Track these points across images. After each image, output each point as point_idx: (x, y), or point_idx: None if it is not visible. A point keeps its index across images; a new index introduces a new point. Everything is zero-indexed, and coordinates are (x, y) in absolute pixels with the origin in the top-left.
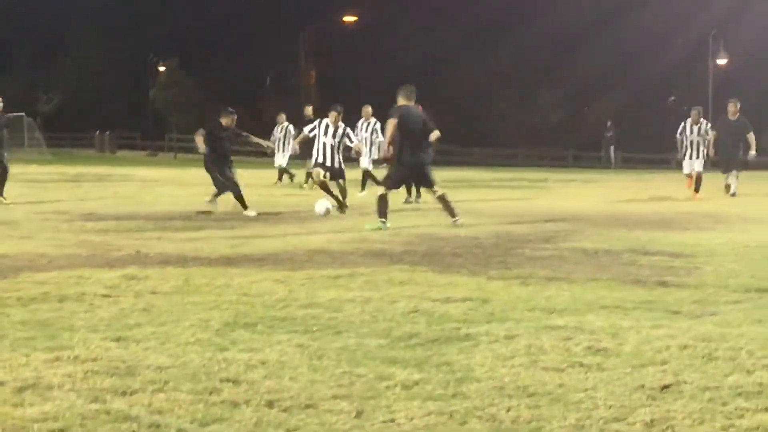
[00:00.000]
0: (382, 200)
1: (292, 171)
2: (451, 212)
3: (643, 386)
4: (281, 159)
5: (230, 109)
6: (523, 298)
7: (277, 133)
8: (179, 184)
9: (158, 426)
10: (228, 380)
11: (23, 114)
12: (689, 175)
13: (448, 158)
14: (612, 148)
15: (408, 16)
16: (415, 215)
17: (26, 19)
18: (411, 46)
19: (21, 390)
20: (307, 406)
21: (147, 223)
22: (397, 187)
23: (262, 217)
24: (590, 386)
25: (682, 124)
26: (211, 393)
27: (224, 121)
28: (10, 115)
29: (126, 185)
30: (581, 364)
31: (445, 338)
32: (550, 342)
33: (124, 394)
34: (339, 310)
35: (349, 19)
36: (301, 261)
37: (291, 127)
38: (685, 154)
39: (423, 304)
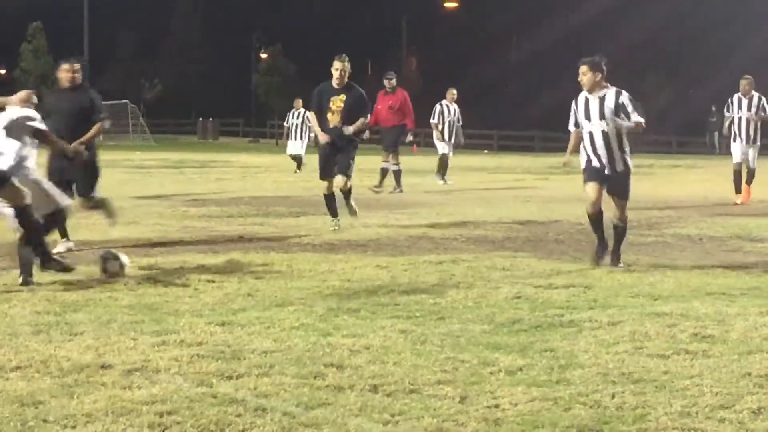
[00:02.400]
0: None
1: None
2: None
3: (749, 374)
4: (296, 147)
5: None
6: (626, 285)
7: (292, 119)
8: (281, 170)
9: (264, 409)
10: (332, 365)
11: (127, 101)
12: (738, 169)
13: (549, 144)
14: (716, 133)
15: (509, 4)
16: (516, 202)
17: (130, 7)
18: (513, 33)
19: (129, 373)
20: (411, 391)
21: (249, 209)
22: None
23: (364, 202)
24: (696, 373)
25: (729, 99)
26: (315, 377)
27: None
28: (114, 102)
29: (228, 172)
30: (687, 351)
31: (548, 324)
32: (655, 328)
33: (229, 377)
34: (442, 295)
35: (450, 5)
36: (403, 247)
37: (309, 114)
38: (735, 137)
39: (526, 290)
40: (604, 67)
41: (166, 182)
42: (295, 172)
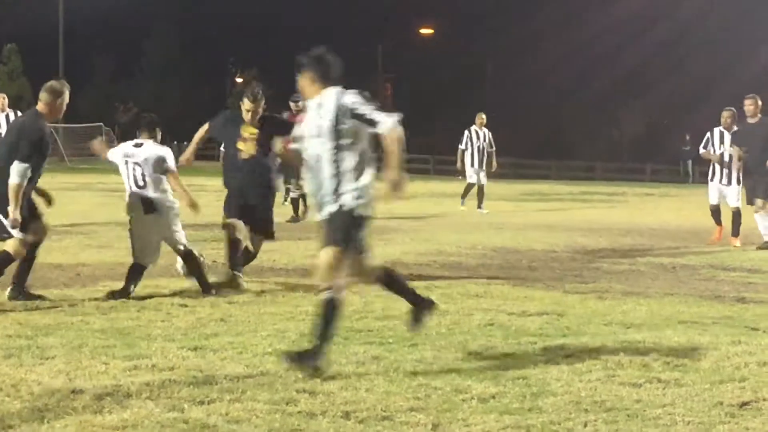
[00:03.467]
0: None
1: None
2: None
3: (721, 403)
4: None
5: None
6: (599, 313)
7: None
8: None
9: None
10: (305, 391)
11: (101, 124)
12: (715, 209)
13: (523, 171)
14: (690, 162)
15: (484, 30)
16: (490, 229)
17: (107, 30)
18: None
19: (100, 397)
20: (384, 418)
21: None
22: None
23: None
24: (668, 402)
25: (708, 134)
26: (287, 403)
27: None
28: (87, 125)
29: (202, 196)
30: (659, 380)
31: (521, 352)
32: (627, 357)
33: (201, 402)
34: None
35: (425, 31)
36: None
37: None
38: (713, 176)
39: (499, 317)
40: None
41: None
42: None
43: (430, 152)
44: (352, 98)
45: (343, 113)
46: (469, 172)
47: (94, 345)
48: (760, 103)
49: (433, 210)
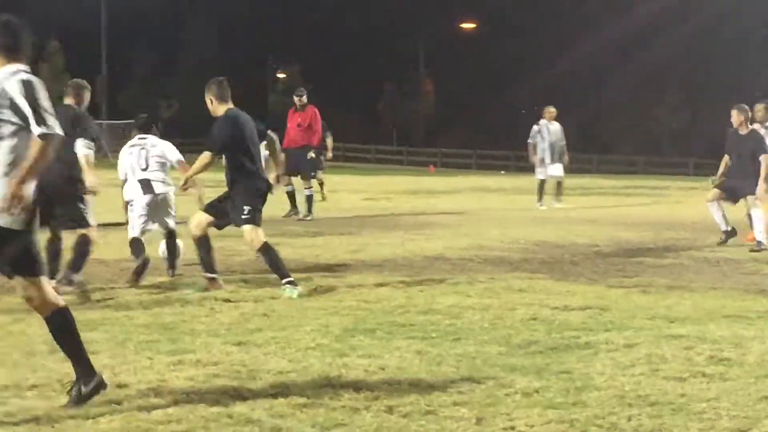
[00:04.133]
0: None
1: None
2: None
3: (766, 397)
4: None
5: None
6: (642, 307)
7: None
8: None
9: (279, 429)
10: (348, 386)
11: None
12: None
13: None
14: None
15: (527, 27)
16: (533, 223)
17: (148, 26)
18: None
19: (145, 392)
20: (427, 412)
21: (266, 229)
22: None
23: (380, 222)
24: (713, 396)
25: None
26: (331, 398)
27: None
28: (130, 121)
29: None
30: (703, 374)
31: (564, 346)
32: (671, 351)
33: (245, 398)
34: (458, 316)
35: (467, 26)
36: (420, 267)
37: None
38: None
39: (542, 311)
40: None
41: (182, 202)
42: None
43: (472, 147)
44: (20, 85)
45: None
46: (540, 168)
47: (138, 340)
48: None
49: (475, 205)
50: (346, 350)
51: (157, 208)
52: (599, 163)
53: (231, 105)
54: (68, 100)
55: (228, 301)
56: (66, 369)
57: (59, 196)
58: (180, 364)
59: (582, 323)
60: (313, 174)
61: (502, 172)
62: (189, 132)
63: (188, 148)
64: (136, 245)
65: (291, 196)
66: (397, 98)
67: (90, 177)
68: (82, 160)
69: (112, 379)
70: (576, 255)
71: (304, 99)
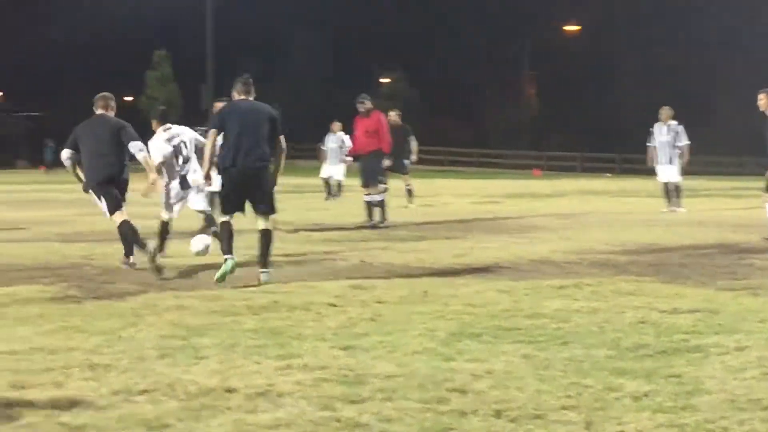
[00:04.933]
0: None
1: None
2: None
3: None
4: (333, 171)
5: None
6: (753, 310)
7: (330, 143)
8: (401, 194)
9: None
10: (455, 390)
11: None
12: None
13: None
14: None
15: (632, 28)
16: (639, 226)
17: (252, 32)
18: (634, 55)
19: (254, 396)
20: (535, 417)
21: (371, 234)
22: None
23: (485, 225)
24: None
25: None
26: (439, 402)
27: None
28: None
29: (348, 197)
30: None
31: (673, 349)
32: None
33: (353, 402)
34: (565, 320)
35: (570, 28)
36: (525, 271)
37: (346, 138)
38: None
39: (650, 314)
40: None
41: (285, 206)
42: (326, 198)
43: (577, 150)
44: None
45: None
46: (657, 170)
47: (246, 345)
48: None
49: (580, 208)
50: (453, 354)
51: (189, 195)
52: (706, 164)
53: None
54: (102, 111)
55: (334, 305)
56: (176, 374)
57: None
58: (288, 368)
59: (691, 326)
60: (379, 180)
61: (608, 174)
62: (294, 136)
63: (293, 153)
64: (165, 227)
65: (370, 205)
66: (500, 101)
67: (152, 174)
68: (142, 162)
69: (222, 383)
70: (684, 257)
71: (368, 105)
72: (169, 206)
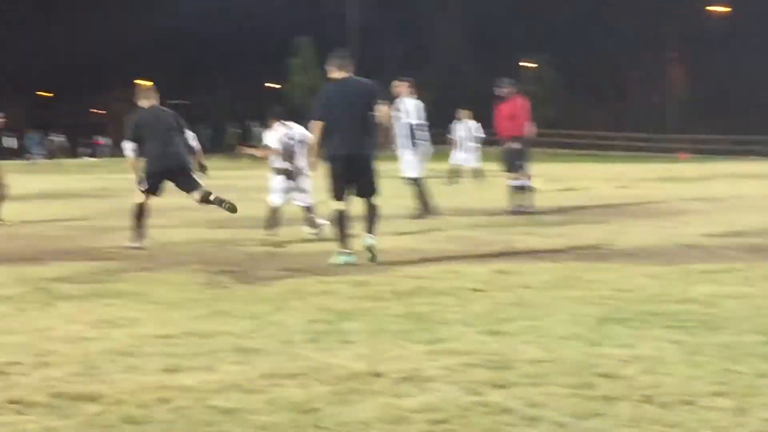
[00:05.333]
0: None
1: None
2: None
3: None
4: (464, 158)
5: None
6: None
7: (460, 131)
8: (549, 179)
9: (535, 419)
10: (604, 375)
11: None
12: None
13: None
14: None
15: None
16: None
17: (397, 18)
18: None
19: (401, 381)
20: (685, 402)
21: (517, 219)
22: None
23: (631, 210)
24: None
25: None
26: (587, 387)
27: None
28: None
29: (494, 182)
30: None
31: None
32: None
33: (500, 386)
34: (715, 305)
35: (718, 9)
36: (673, 255)
37: (473, 125)
38: None
39: None
40: None
41: (435, 192)
42: (450, 184)
43: (729, 132)
44: None
45: None
46: None
47: (392, 330)
48: None
49: (729, 191)
50: (601, 339)
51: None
52: None
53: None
54: (149, 102)
55: (480, 290)
56: (324, 358)
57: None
58: (434, 353)
59: None
60: (521, 166)
61: (754, 156)
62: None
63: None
64: (275, 213)
65: (516, 189)
66: (646, 84)
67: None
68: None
69: (369, 368)
70: None
71: (510, 89)
72: (278, 193)
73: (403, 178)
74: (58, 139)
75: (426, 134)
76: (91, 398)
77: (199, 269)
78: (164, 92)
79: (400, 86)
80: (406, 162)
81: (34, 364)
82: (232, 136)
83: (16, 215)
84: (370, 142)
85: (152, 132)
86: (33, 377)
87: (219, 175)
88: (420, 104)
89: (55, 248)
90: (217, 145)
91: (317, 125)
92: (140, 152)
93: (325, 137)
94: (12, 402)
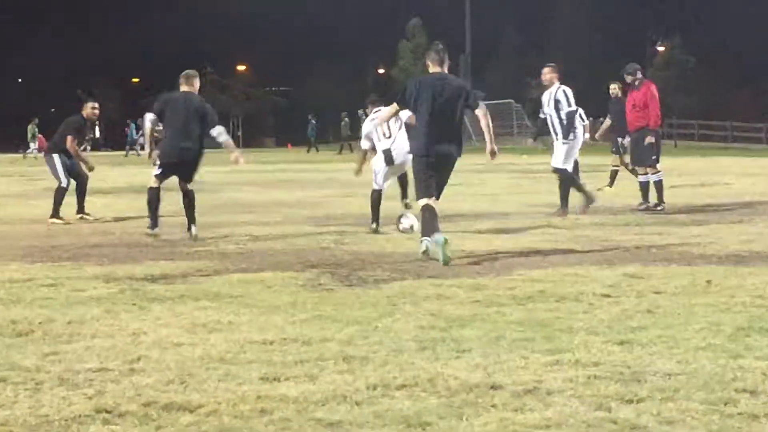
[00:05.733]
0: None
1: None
2: None
3: None
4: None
5: None
6: None
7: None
8: (683, 174)
9: None
10: (745, 390)
11: (512, 101)
12: None
13: None
14: None
15: None
16: None
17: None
18: None
19: (521, 394)
20: None
21: (646, 217)
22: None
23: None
24: None
25: None
26: (726, 404)
27: None
28: (497, 102)
29: (625, 177)
30: None
31: None
32: None
33: (630, 401)
34: None
35: None
36: None
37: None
38: None
39: None
40: None
41: (555, 189)
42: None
43: None
44: None
45: None
46: None
47: (511, 338)
48: None
49: None
50: (741, 351)
51: (396, 170)
52: None
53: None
54: (188, 88)
55: (607, 296)
56: (436, 368)
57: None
58: (557, 364)
59: None
60: (653, 160)
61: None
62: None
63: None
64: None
65: (645, 185)
66: None
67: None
68: (225, 144)
69: (486, 379)
70: None
71: (639, 74)
72: (379, 178)
73: (555, 169)
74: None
75: (580, 123)
76: (185, 408)
77: (300, 270)
78: (266, 78)
79: (550, 73)
80: (560, 153)
81: (124, 371)
82: (345, 127)
83: (105, 210)
84: (458, 142)
85: (172, 118)
86: (123, 385)
87: (325, 168)
88: (570, 91)
89: (147, 245)
90: (326, 135)
91: (393, 107)
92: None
93: (411, 132)
94: (100, 411)
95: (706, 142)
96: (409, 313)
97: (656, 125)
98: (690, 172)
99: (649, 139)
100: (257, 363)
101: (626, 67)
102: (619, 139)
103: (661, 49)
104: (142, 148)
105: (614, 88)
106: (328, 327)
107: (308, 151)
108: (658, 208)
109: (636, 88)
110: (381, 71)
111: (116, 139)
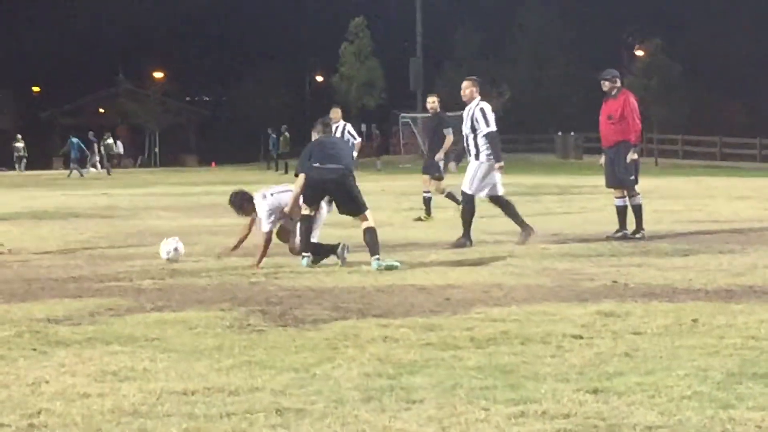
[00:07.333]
0: None
1: None
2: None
3: None
4: None
5: None
6: None
7: None
8: (662, 196)
9: None
10: None
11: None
12: None
13: None
14: None
15: None
16: None
17: (470, 3)
18: None
19: None
20: None
21: (624, 246)
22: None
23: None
24: None
25: None
26: None
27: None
28: (450, 114)
29: (595, 198)
30: None
31: None
32: None
33: None
34: None
35: None
36: None
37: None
38: None
39: None
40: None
41: (521, 212)
42: None
43: None
44: None
45: None
46: None
47: (469, 386)
48: None
49: None
50: (732, 400)
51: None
52: None
53: None
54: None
55: (579, 337)
56: (383, 421)
57: None
58: (522, 416)
59: None
60: (632, 181)
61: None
62: (528, 125)
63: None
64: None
65: (622, 209)
66: None
67: None
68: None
69: None
70: None
71: (618, 82)
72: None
73: (462, 192)
74: None
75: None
76: None
77: (227, 308)
78: (187, 89)
79: (470, 87)
80: (469, 174)
81: (22, 427)
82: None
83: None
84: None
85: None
86: None
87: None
88: (489, 107)
89: (48, 280)
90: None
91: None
92: None
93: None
94: None
95: (691, 159)
96: (352, 358)
97: (638, 140)
98: (673, 195)
99: (632, 155)
100: (177, 416)
101: (603, 73)
102: (441, 162)
103: (640, 54)
104: (94, 166)
105: (432, 102)
106: (259, 374)
107: (269, 168)
108: (637, 235)
109: (613, 96)
110: (320, 79)
111: (5, 156)
